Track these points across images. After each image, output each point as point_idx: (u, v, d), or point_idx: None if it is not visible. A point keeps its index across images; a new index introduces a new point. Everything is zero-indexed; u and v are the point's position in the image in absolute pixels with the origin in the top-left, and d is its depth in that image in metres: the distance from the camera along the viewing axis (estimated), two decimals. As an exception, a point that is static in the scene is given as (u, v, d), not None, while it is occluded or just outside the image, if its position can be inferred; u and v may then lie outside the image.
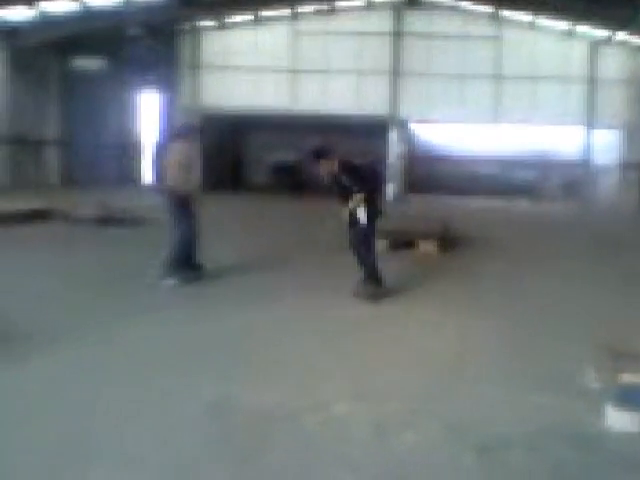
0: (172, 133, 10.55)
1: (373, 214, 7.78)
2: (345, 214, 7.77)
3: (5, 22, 23.23)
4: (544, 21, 27.14)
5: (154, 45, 26.69)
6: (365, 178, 7.83)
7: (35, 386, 4.80)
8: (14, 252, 10.82)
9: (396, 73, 27.38)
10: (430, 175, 29.73)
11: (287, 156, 30.20)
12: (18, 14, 23.20)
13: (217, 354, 5.67)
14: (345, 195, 7.76)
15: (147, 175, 31.32)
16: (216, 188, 23.56)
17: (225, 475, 3.61)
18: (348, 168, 7.81)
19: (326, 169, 7.79)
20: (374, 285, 7.89)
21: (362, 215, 7.64)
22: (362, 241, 7.84)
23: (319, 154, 7.84)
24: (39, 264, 9.89)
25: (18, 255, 10.53)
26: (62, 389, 4.74)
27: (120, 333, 6.14)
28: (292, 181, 29.32)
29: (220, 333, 6.28)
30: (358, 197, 7.60)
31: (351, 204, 7.65)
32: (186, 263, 8.58)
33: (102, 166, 27.58)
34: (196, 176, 9.01)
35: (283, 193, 26.20)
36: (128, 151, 30.50)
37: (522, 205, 25.82)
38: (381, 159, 26.95)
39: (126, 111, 30.58)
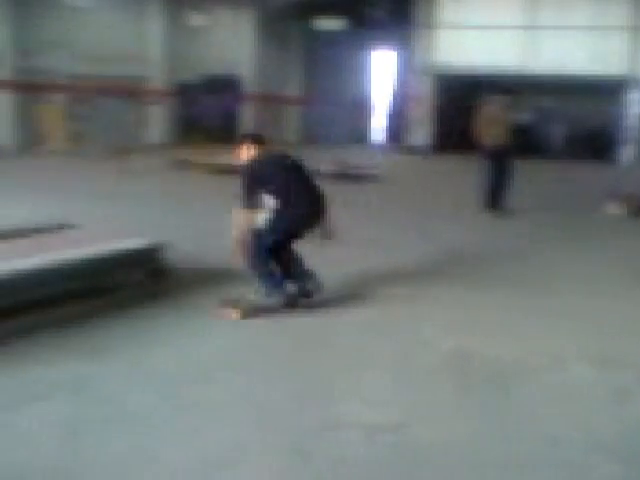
0: (489, 95, 11.95)
1: (278, 226, 5.59)
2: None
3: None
4: None
5: (391, 4, 26.86)
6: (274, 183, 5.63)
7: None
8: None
9: (637, 29, 25.57)
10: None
11: (521, 117, 29.32)
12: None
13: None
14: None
15: (378, 133, 31.85)
16: (447, 149, 23.51)
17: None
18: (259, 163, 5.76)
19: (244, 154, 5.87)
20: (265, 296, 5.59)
21: (261, 219, 5.67)
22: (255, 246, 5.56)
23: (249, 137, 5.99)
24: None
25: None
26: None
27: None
28: (526, 143, 28.45)
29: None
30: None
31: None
32: (497, 203, 11.01)
33: (337, 124, 28.41)
34: (507, 132, 11.23)
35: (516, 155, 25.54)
36: (362, 109, 31.12)
37: None
38: (613, 121, 25.53)
39: (361, 70, 31.15)
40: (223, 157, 16.69)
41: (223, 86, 24.59)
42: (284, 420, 3.59)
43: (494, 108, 11.26)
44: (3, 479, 2.89)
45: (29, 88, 20.34)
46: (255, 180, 5.58)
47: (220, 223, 9.34)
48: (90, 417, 3.48)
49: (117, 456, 3.12)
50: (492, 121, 10.98)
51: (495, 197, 11.06)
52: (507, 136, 11.19)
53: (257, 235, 5.52)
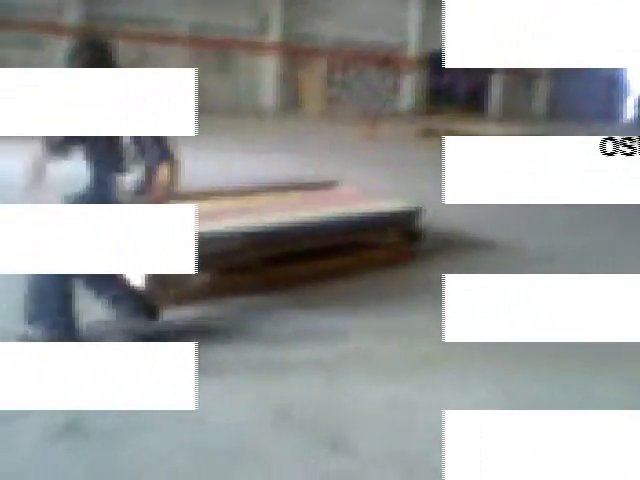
0: None
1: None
2: None
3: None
4: None
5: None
6: None
7: None
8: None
9: None
10: None
11: None
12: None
13: None
14: None
15: (630, 111, 29.83)
16: None
17: None
18: None
19: None
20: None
21: None
22: None
23: None
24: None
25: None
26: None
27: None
28: None
29: None
30: None
31: None
32: None
33: (587, 99, 26.92)
34: None
35: None
36: (615, 85, 29.21)
37: None
38: None
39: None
40: (468, 127, 16.48)
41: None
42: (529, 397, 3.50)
43: None
44: (269, 404, 3.10)
45: (294, 53, 21.24)
46: None
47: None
48: (347, 363, 3.61)
49: (376, 401, 3.22)
50: None
51: None
52: None
53: None
